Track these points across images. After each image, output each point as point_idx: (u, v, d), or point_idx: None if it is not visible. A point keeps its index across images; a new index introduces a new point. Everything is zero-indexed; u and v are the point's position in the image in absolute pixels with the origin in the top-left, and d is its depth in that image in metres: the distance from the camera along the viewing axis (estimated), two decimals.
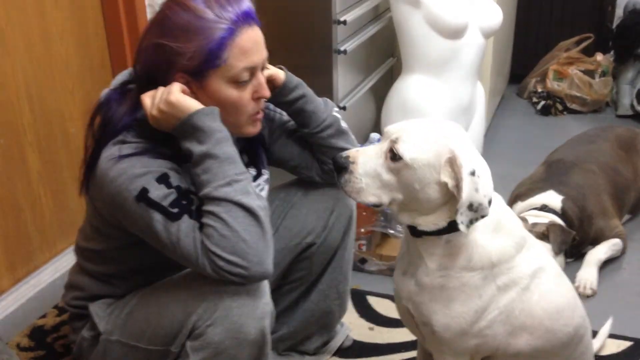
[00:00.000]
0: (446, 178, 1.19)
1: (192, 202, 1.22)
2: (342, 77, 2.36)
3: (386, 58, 2.91)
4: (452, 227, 1.24)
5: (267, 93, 1.32)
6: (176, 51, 1.22)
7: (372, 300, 2.13)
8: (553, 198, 2.27)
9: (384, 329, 1.99)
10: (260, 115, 1.36)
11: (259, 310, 1.25)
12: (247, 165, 1.52)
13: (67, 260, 1.95)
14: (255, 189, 1.26)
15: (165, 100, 1.22)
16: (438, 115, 2.48)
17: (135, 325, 1.33)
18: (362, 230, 2.28)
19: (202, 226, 1.19)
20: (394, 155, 1.21)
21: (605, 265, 2.25)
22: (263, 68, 1.33)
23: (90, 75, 2.02)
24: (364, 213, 2.25)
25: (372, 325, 2.01)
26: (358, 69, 2.58)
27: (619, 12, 3.97)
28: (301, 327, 1.80)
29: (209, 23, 1.21)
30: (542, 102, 3.69)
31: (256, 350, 1.28)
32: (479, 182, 1.18)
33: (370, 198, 1.25)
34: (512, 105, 3.83)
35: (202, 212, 1.20)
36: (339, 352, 1.88)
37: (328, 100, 1.56)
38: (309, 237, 1.67)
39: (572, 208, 2.24)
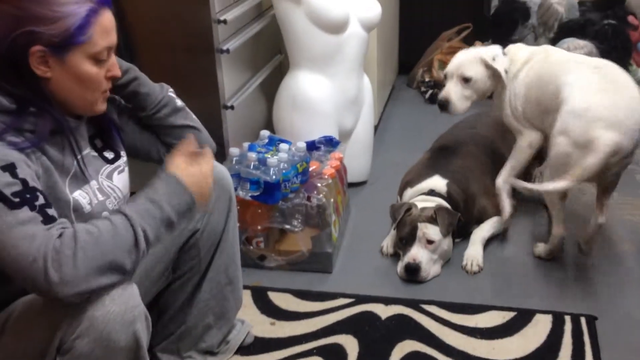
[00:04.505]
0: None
1: (37, 199, 1.19)
2: (228, 77, 2.35)
3: (273, 55, 2.92)
4: None
5: (118, 72, 1.39)
6: (39, 32, 1.22)
7: (273, 296, 2.16)
8: (439, 182, 2.37)
9: (285, 323, 2.02)
10: (108, 94, 1.42)
11: (127, 315, 1.22)
12: (103, 149, 1.50)
13: None
14: None
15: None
16: (327, 109, 2.54)
17: (9, 343, 1.28)
18: (259, 227, 2.29)
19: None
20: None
21: (490, 242, 2.39)
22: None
23: None
24: (259, 210, 2.26)
25: (273, 320, 2.04)
26: (244, 67, 2.58)
27: (495, 1, 4.19)
28: (198, 320, 1.78)
29: (73, 4, 1.25)
30: (430, 91, 3.83)
31: (131, 356, 1.26)
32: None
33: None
34: (403, 95, 3.97)
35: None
36: (241, 350, 1.89)
37: (164, 84, 1.62)
38: (190, 224, 1.67)
39: (456, 190, 2.36)
